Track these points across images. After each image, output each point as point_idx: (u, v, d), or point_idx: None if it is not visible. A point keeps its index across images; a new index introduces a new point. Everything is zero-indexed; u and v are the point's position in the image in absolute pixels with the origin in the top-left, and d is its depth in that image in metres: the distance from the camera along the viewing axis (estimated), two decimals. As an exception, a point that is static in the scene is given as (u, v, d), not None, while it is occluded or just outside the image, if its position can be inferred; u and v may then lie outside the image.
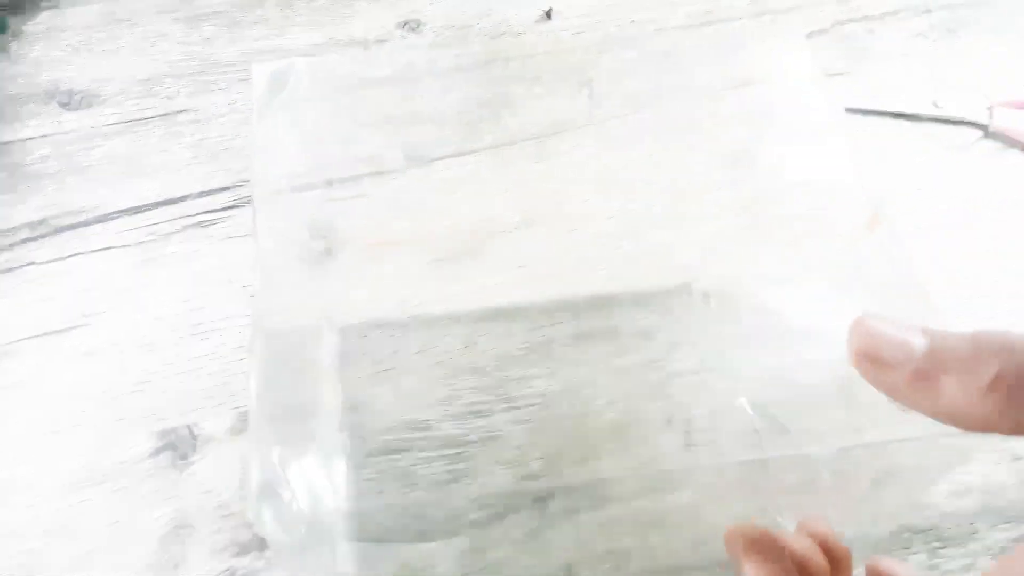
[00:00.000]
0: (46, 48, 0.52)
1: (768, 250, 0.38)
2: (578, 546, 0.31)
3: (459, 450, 0.36)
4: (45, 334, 0.41)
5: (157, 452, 0.37)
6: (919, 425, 0.18)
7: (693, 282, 0.42)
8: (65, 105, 0.50)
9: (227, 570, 0.34)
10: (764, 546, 0.22)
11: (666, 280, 0.43)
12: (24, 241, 0.45)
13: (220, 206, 0.45)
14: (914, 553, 0.36)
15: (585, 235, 0.45)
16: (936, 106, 0.47)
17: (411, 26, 0.52)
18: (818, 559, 0.24)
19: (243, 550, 0.34)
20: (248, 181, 0.46)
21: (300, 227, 0.39)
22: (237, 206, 0.45)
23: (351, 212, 0.40)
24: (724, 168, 0.39)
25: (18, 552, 0.34)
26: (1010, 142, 0.46)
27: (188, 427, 0.38)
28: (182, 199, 0.46)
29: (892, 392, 0.17)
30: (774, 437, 0.35)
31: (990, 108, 0.47)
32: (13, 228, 0.45)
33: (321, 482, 0.35)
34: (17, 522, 0.35)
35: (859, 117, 0.48)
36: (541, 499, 0.35)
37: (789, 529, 0.29)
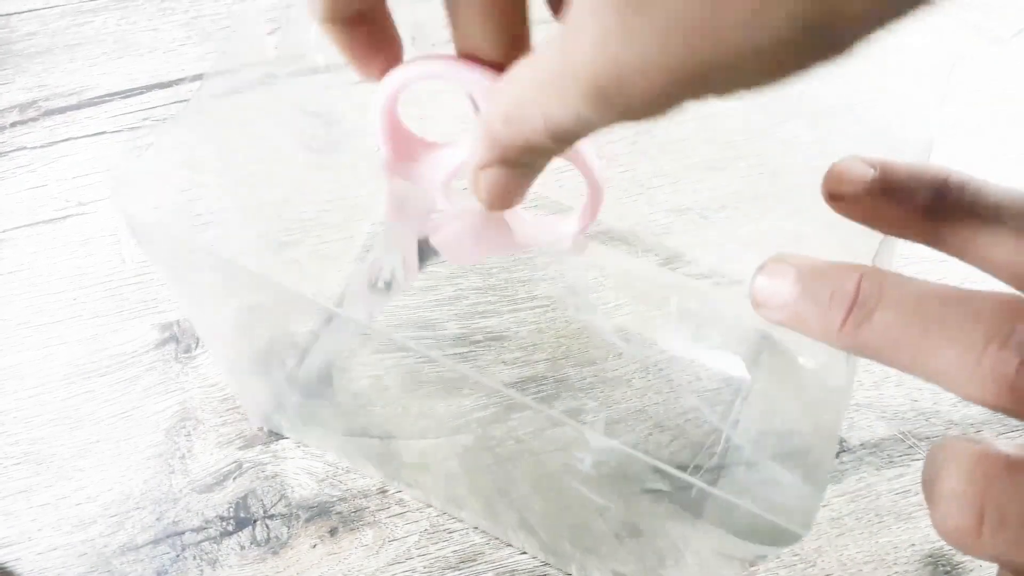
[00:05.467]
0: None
1: (788, 163, 0.36)
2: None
3: (465, 350, 0.36)
4: (40, 222, 0.39)
5: (160, 344, 0.37)
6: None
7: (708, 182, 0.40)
8: (48, -24, 0.47)
9: (234, 462, 0.34)
10: None
11: (680, 181, 0.41)
12: (14, 124, 0.43)
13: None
14: (916, 459, 0.36)
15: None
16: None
17: None
18: None
19: (249, 443, 0.34)
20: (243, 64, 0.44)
21: (301, 114, 0.37)
22: (234, 92, 0.43)
23: (356, 98, 0.38)
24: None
25: (24, 440, 0.34)
26: None
27: (191, 320, 0.37)
28: (176, 82, 0.44)
29: None
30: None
31: None
32: (1, 111, 0.43)
33: (326, 379, 0.35)
34: (21, 410, 0.35)
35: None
36: (547, 399, 0.35)
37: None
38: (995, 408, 0.15)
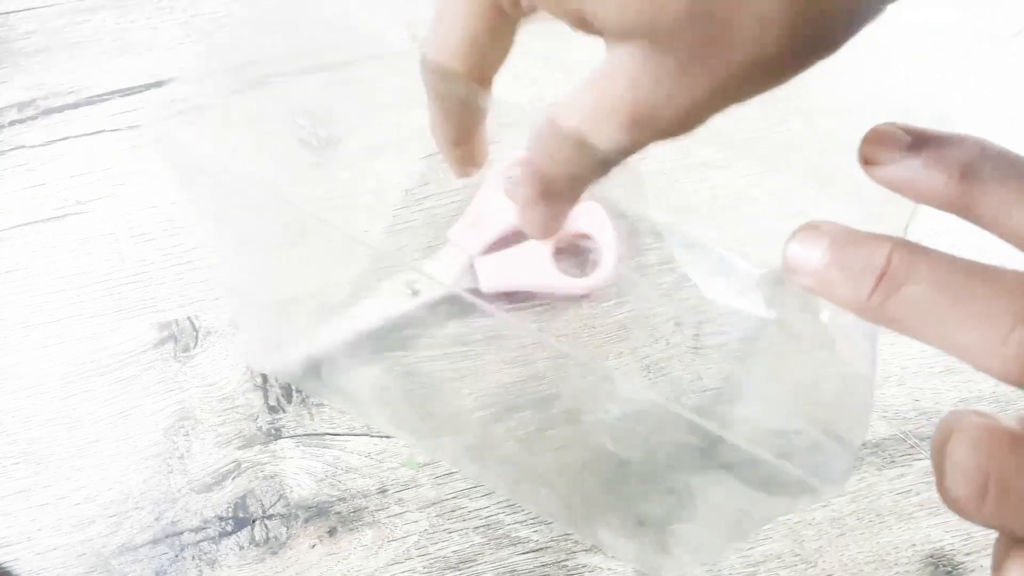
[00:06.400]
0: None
1: (788, 163, 0.36)
2: (581, 446, 0.32)
3: (465, 348, 0.36)
4: (38, 221, 0.39)
5: (159, 343, 0.37)
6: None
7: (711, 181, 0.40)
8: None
9: (233, 462, 0.34)
10: None
11: (680, 181, 0.41)
12: (12, 123, 0.43)
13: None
14: (918, 459, 0.36)
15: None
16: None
17: None
18: None
19: (248, 443, 0.34)
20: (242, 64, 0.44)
21: (299, 114, 0.37)
22: (234, 92, 0.43)
23: (353, 98, 0.38)
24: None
25: (22, 440, 0.34)
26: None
27: (189, 319, 0.37)
28: (174, 81, 0.44)
29: None
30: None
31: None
32: (0, 109, 0.43)
33: (328, 379, 0.35)
34: (20, 410, 0.35)
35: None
36: (546, 399, 0.34)
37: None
38: (1017, 386, 0.15)
